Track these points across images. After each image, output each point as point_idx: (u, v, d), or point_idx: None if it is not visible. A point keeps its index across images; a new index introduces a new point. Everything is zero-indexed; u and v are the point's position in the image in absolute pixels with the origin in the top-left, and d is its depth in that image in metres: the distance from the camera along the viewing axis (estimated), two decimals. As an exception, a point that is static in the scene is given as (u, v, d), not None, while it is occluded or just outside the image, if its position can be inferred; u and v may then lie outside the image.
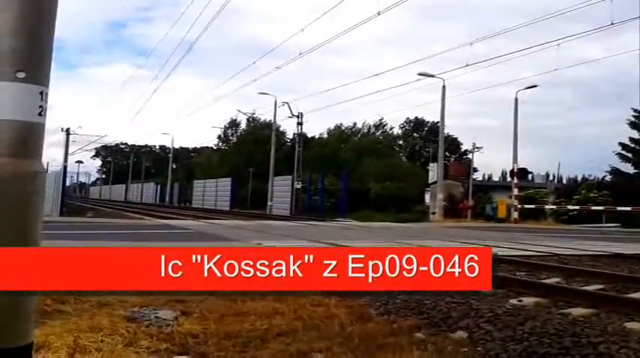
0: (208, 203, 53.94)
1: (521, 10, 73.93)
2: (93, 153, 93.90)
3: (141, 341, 3.73)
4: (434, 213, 33.26)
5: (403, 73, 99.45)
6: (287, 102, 43.28)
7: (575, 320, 4.83)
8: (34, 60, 2.10)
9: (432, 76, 32.44)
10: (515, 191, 32.55)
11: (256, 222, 24.03)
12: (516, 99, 34.04)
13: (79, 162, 75.29)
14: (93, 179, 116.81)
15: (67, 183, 45.68)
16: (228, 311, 4.70)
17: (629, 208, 27.27)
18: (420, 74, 32.28)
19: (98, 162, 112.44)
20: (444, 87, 33.39)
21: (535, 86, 33.42)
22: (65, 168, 35.70)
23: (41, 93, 2.11)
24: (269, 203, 43.10)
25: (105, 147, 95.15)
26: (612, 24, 20.77)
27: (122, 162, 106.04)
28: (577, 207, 31.28)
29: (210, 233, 14.47)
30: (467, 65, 27.43)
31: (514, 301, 5.81)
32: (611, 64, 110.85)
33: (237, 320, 4.48)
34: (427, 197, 37.95)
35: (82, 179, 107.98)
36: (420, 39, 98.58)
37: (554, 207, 33.62)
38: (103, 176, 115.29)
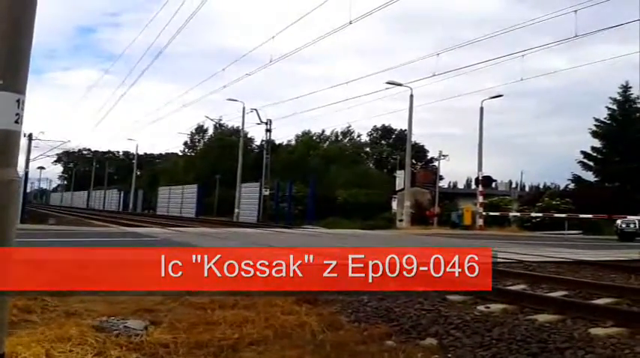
0: (173, 210, 53.31)
1: (488, 22, 75.39)
2: (54, 158, 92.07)
3: (110, 351, 3.67)
4: (401, 220, 33.51)
5: (372, 81, 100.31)
6: (255, 109, 43.24)
7: (542, 327, 4.92)
8: (11, 68, 2.07)
9: (400, 84, 32.80)
10: (480, 198, 33.03)
11: (223, 229, 23.88)
12: (482, 109, 34.63)
13: (41, 168, 73.68)
14: (54, 185, 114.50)
15: (28, 190, 44.63)
16: (198, 320, 4.66)
17: (590, 216, 27.95)
18: (388, 83, 32.60)
19: (60, 168, 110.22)
20: (411, 96, 33.79)
21: (500, 95, 33.92)
22: (26, 174, 34.89)
23: (18, 101, 2.08)
24: (236, 210, 42.85)
25: (67, 153, 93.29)
26: (577, 36, 21.30)
27: (84, 168, 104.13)
28: (540, 215, 31.94)
29: (178, 240, 14.29)
30: (434, 75, 27.80)
31: (482, 308, 5.89)
32: (574, 74, 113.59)
33: (207, 329, 4.44)
34: (394, 204, 38.25)
35: (43, 185, 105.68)
36: (390, 48, 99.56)
37: (517, 214, 34.25)
38: (65, 182, 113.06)
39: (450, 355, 4.25)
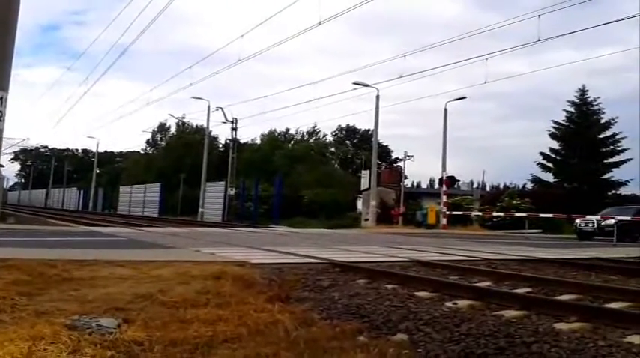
0: (135, 209, 52.53)
1: (454, 26, 76.52)
2: (12, 156, 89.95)
3: (85, 349, 3.64)
4: (367, 220, 33.75)
5: (339, 82, 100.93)
6: (221, 108, 43.02)
7: (509, 322, 5.06)
8: (-5, 65, 2.06)
9: (367, 85, 33.04)
10: (444, 198, 33.49)
11: (189, 228, 23.63)
12: (445, 110, 35.11)
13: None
14: (11, 183, 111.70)
15: (-15, 188, 43.40)
16: (171, 319, 4.65)
17: (550, 215, 28.62)
18: (355, 83, 32.79)
19: (17, 165, 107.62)
20: (377, 97, 34.04)
21: (464, 97, 34.47)
22: (-17, 171, 33.94)
23: (1, 98, 2.07)
24: (200, 209, 42.48)
25: (24, 151, 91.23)
26: (539, 40, 21.82)
27: (43, 166, 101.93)
28: (501, 214, 32.56)
29: (144, 240, 14.09)
30: (401, 76, 28.14)
31: (449, 304, 6.00)
32: (534, 78, 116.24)
33: (181, 327, 4.43)
34: (359, 203, 38.50)
35: None
36: (358, 50, 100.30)
37: (479, 213, 34.85)
38: (22, 180, 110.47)
39: (420, 350, 4.32)
